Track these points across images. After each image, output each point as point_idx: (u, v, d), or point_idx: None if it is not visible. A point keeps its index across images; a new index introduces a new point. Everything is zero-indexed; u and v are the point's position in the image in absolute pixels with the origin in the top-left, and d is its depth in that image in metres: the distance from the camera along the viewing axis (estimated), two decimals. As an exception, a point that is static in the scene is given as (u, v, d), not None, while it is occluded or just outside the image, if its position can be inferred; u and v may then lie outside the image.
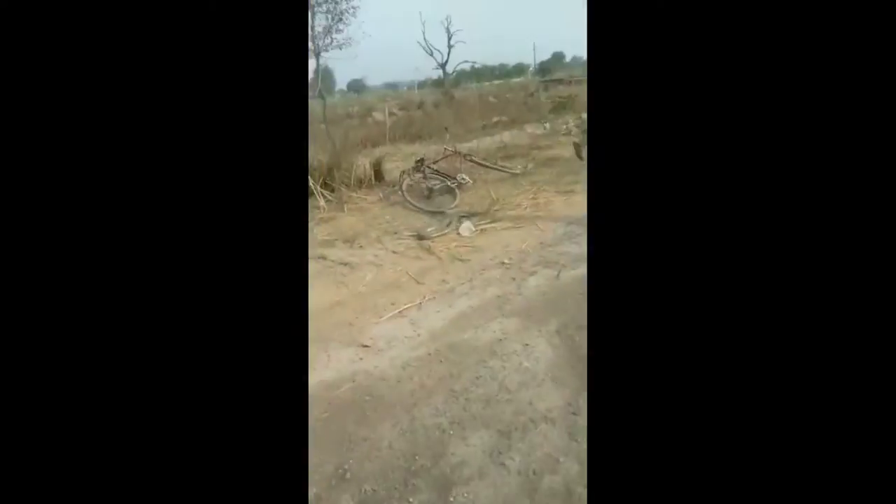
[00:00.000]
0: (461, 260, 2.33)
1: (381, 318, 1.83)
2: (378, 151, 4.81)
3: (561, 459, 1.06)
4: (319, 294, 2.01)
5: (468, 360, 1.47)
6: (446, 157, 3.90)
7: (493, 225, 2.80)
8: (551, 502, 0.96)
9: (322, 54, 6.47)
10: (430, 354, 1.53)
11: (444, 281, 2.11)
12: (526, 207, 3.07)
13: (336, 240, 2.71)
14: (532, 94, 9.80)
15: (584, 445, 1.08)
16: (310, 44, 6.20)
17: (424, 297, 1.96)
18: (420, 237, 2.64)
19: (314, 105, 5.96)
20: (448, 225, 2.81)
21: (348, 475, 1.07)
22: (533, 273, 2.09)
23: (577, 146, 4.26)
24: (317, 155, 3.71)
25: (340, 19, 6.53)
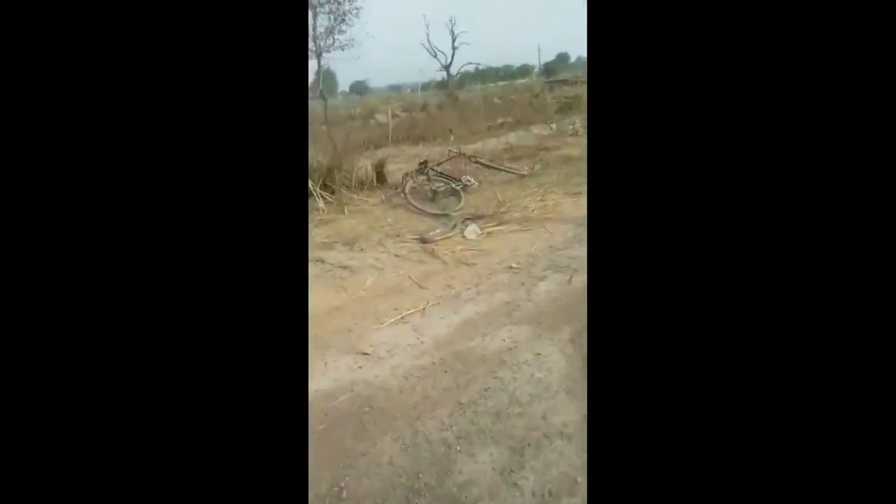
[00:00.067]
0: (467, 264, 2.25)
1: (382, 324, 1.74)
2: (380, 153, 4.76)
3: (579, 479, 0.97)
4: (317, 298, 1.93)
5: (475, 369, 1.38)
6: (450, 158, 3.83)
7: (499, 228, 2.71)
8: (569, 531, 0.87)
9: (324, 55, 6.45)
10: (434, 363, 1.44)
11: (448, 286, 2.03)
12: (534, 210, 2.99)
13: (335, 242, 2.64)
14: (537, 95, 9.75)
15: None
16: (311, 44, 6.18)
17: (428, 303, 1.87)
18: (423, 240, 2.56)
19: (315, 106, 5.93)
20: (453, 228, 2.73)
21: (345, 493, 0.99)
22: (543, 278, 2.00)
23: None
24: (316, 156, 3.66)
25: (343, 20, 6.52)
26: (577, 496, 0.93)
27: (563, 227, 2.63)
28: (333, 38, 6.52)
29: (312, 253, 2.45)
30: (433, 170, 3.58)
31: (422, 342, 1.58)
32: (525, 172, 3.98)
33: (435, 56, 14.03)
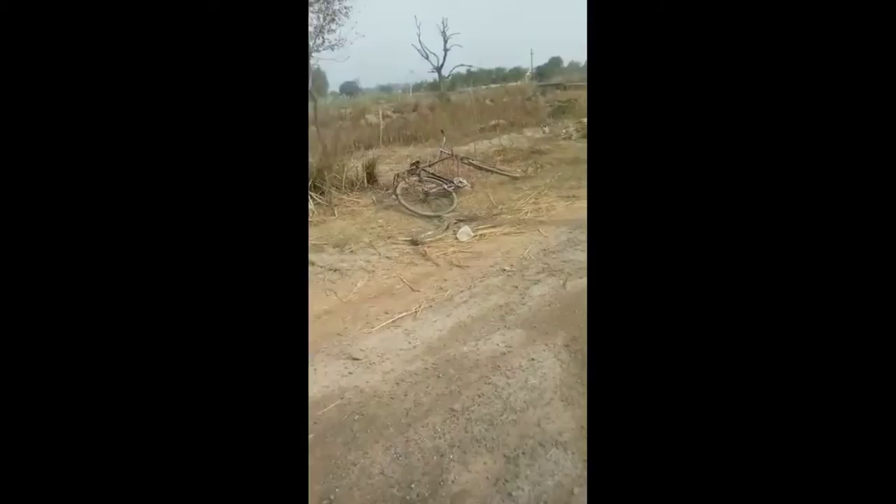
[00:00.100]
0: (459, 266, 2.22)
1: (372, 328, 1.70)
2: (371, 154, 4.71)
3: (575, 491, 0.95)
4: (308, 301, 1.88)
5: (469, 375, 1.36)
6: (442, 159, 3.81)
7: (492, 230, 2.70)
8: (566, 544, 0.85)
9: (314, 54, 6.36)
10: (426, 369, 1.41)
11: (441, 288, 2.00)
12: (527, 212, 2.99)
13: (325, 244, 2.58)
14: (529, 98, 9.81)
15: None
16: (301, 43, 6.06)
17: (420, 306, 1.84)
18: (414, 242, 2.52)
19: (304, 106, 5.80)
20: (445, 229, 2.70)
21: (335, 507, 0.95)
22: (537, 281, 1.99)
23: None
24: (307, 156, 3.58)
25: (333, 19, 6.43)
26: (573, 506, 0.91)
27: (556, 230, 2.63)
28: (323, 38, 6.44)
29: (302, 255, 2.38)
30: (425, 171, 3.55)
31: (414, 347, 1.55)
32: (518, 175, 3.98)
33: (426, 57, 14.02)
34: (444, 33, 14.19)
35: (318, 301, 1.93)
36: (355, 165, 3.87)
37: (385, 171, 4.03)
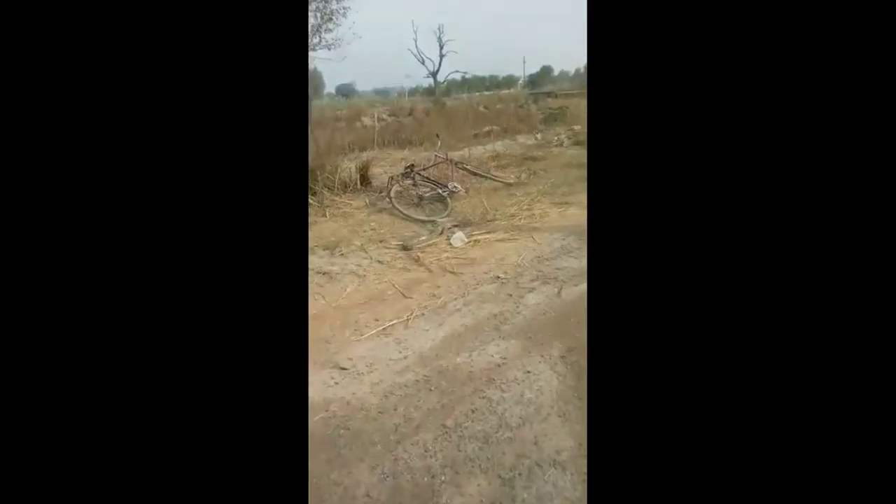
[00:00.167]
0: (453, 272, 2.17)
1: (362, 335, 1.63)
2: (365, 155, 4.65)
3: (573, 515, 0.90)
4: (294, 306, 1.79)
5: (462, 388, 1.30)
6: (437, 164, 3.77)
7: (486, 236, 2.66)
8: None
9: (310, 53, 6.30)
10: (417, 381, 1.34)
11: (434, 295, 1.94)
12: (521, 218, 2.96)
13: (315, 246, 2.50)
14: (522, 106, 9.91)
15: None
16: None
17: (412, 313, 1.77)
18: (405, 247, 2.46)
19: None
20: (439, 234, 2.65)
21: (315, 536, 0.87)
22: (531, 289, 1.94)
23: None
24: (299, 156, 3.50)
25: (330, 19, 6.39)
26: (572, 531, 0.86)
27: (549, 236, 2.60)
28: (320, 37, 6.39)
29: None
30: (419, 174, 3.51)
31: (404, 357, 1.48)
32: (511, 181, 3.96)
33: (423, 63, 14.08)
34: (440, 39, 14.29)
35: (305, 306, 1.85)
36: (349, 167, 3.81)
37: (379, 174, 3.97)
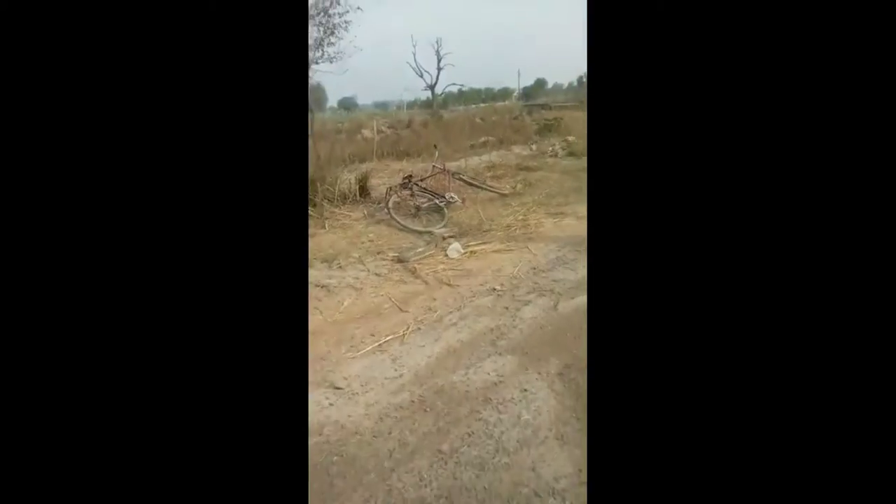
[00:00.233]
0: (449, 284, 2.15)
1: (357, 352, 1.60)
2: (364, 167, 4.67)
3: (573, 547, 0.86)
4: (288, 323, 1.76)
5: (458, 409, 1.26)
6: (434, 174, 3.78)
7: (482, 247, 2.65)
8: None
9: (313, 66, 6.38)
10: (413, 402, 1.31)
11: (430, 309, 1.92)
12: (516, 229, 2.95)
13: (314, 259, 2.48)
14: (516, 117, 10.01)
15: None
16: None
17: (408, 328, 1.75)
18: (400, 260, 2.45)
19: (301, 118, 5.78)
20: (434, 246, 2.64)
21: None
22: (527, 302, 1.92)
23: None
24: (298, 168, 3.51)
25: (332, 32, 6.49)
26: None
27: (545, 247, 2.59)
28: (322, 50, 6.48)
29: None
30: (417, 185, 3.51)
31: (400, 375, 1.45)
32: (507, 191, 3.97)
33: (421, 76, 14.26)
34: (438, 52, 14.51)
35: (300, 323, 1.82)
36: (348, 178, 3.81)
37: (377, 185, 3.98)
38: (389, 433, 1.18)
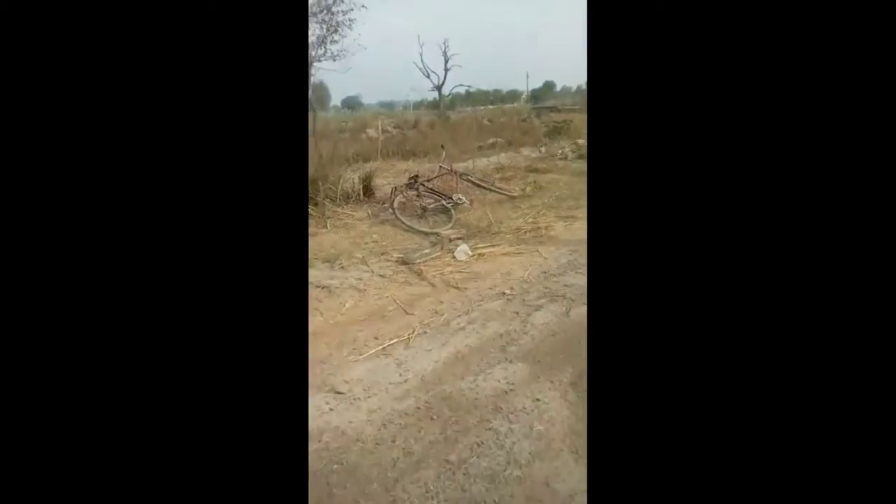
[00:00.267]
0: (456, 288, 2.09)
1: (360, 355, 1.54)
2: (369, 166, 4.63)
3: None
4: (290, 323, 1.71)
5: (467, 418, 1.20)
6: (441, 175, 3.73)
7: (491, 249, 2.58)
8: None
9: (316, 64, 6.38)
10: (419, 408, 1.25)
11: (436, 312, 1.86)
12: (526, 232, 2.89)
13: (315, 259, 2.44)
14: (525, 119, 9.98)
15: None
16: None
17: (413, 332, 1.69)
18: (404, 262, 2.39)
19: (304, 117, 5.78)
20: (441, 248, 2.58)
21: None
22: (538, 307, 1.85)
23: None
24: (302, 166, 3.48)
25: (336, 30, 6.49)
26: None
27: (556, 251, 2.53)
28: (326, 48, 6.48)
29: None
30: (423, 185, 3.46)
31: (405, 380, 1.39)
32: (516, 193, 3.91)
33: (428, 76, 14.29)
34: (445, 53, 14.54)
35: (302, 323, 1.77)
36: (352, 177, 3.77)
37: (382, 185, 3.94)
38: (393, 441, 1.12)
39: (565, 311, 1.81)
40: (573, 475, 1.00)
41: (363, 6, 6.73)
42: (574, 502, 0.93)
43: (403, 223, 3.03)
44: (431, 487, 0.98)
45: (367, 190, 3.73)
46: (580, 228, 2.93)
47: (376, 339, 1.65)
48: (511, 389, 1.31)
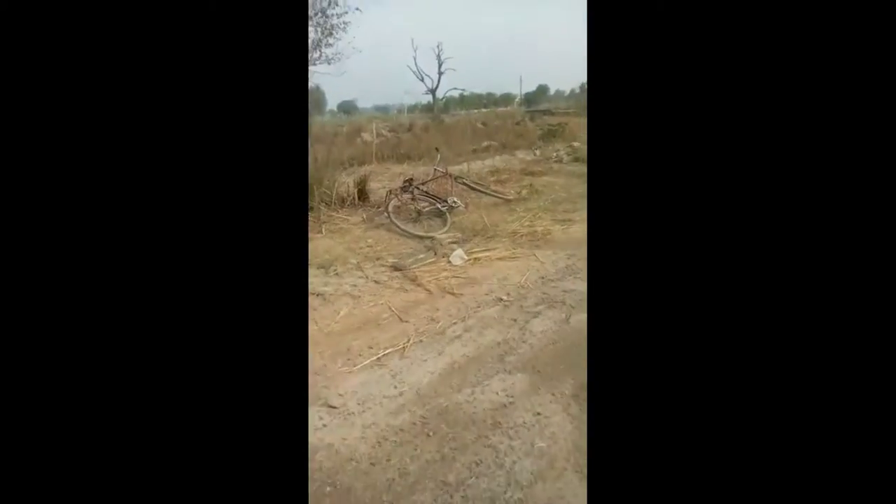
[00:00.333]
0: (452, 293, 2.04)
1: (354, 366, 1.49)
2: (364, 170, 4.58)
3: None
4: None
5: (465, 434, 1.15)
6: (436, 178, 3.69)
7: (487, 253, 2.54)
8: None
9: (310, 68, 6.33)
10: (414, 424, 1.20)
11: (432, 319, 1.81)
12: (522, 235, 2.86)
13: (310, 265, 2.38)
14: (519, 123, 10.00)
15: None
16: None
17: (409, 340, 1.64)
18: (396, 268, 2.34)
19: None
20: (435, 253, 2.53)
21: None
22: (537, 314, 1.81)
23: None
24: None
25: (331, 33, 6.45)
26: None
27: (553, 255, 2.49)
28: (320, 51, 6.43)
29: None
30: (418, 188, 3.42)
31: (400, 393, 1.34)
32: (511, 197, 3.88)
33: (422, 80, 14.30)
34: (438, 57, 14.56)
35: (294, 333, 1.71)
36: (346, 181, 3.72)
37: (377, 189, 3.89)
38: (388, 460, 1.07)
39: (565, 318, 1.77)
40: (578, 497, 0.95)
41: (357, 9, 6.71)
42: (579, 525, 0.88)
43: (398, 227, 2.98)
44: (428, 511, 0.93)
45: (362, 194, 3.68)
46: (577, 232, 2.90)
47: (371, 348, 1.59)
48: (510, 402, 1.27)
